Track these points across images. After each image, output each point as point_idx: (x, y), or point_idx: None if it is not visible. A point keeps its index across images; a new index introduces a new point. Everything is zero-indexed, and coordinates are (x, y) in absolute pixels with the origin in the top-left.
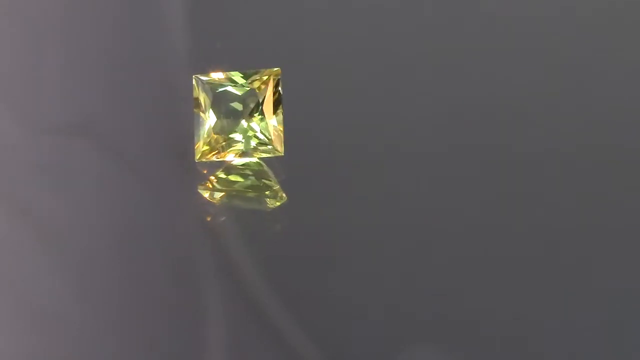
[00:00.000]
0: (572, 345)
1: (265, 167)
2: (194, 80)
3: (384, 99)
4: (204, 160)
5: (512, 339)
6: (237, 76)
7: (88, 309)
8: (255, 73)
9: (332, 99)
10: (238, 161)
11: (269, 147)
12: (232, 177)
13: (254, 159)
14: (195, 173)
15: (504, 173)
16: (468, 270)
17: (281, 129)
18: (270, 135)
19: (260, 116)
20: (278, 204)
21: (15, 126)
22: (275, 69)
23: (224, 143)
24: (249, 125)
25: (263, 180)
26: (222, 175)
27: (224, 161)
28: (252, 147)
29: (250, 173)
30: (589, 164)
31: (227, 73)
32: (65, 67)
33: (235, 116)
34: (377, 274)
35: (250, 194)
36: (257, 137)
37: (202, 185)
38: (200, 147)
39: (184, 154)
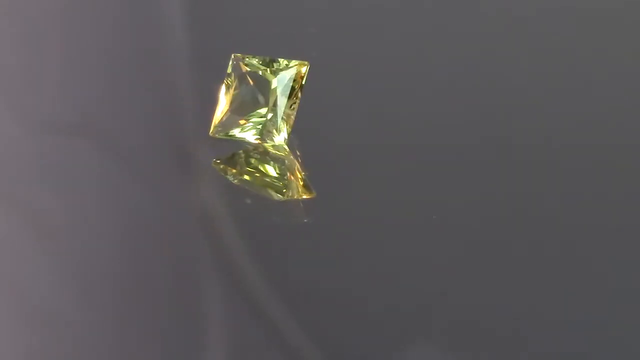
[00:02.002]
0: (573, 345)
1: (289, 158)
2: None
3: (397, 98)
4: (216, 136)
5: (514, 339)
6: (271, 62)
7: (88, 308)
8: (286, 62)
9: (347, 96)
10: (262, 145)
11: (275, 135)
12: (252, 160)
13: (283, 147)
14: (195, 171)
15: (513, 170)
16: (472, 269)
17: (291, 121)
18: (280, 125)
19: (276, 105)
20: (286, 197)
21: (16, 125)
22: (304, 62)
23: (238, 123)
24: (267, 111)
25: (282, 170)
26: (242, 156)
27: (240, 142)
28: (259, 132)
29: (273, 159)
30: (589, 163)
31: (264, 58)
32: (65, 66)
33: (256, 100)
34: (380, 273)
35: (266, 180)
36: (266, 125)
37: (216, 160)
38: (216, 122)
39: (184, 153)
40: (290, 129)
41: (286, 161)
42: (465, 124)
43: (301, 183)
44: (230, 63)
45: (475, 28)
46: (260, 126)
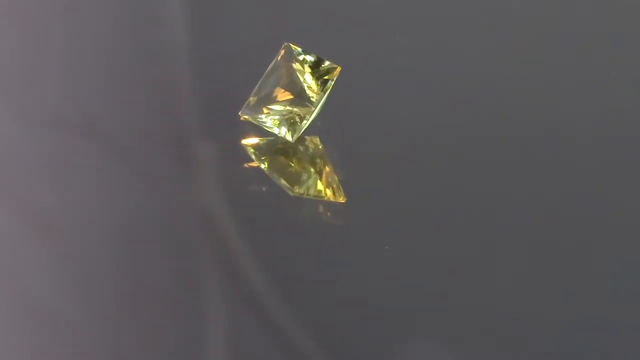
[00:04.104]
0: (576, 345)
1: (315, 157)
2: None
3: (418, 103)
4: (243, 117)
5: (514, 339)
6: (319, 61)
7: (88, 307)
8: (328, 63)
9: (365, 99)
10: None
11: (291, 130)
12: (282, 151)
13: (316, 140)
14: (195, 170)
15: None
16: (479, 268)
17: (305, 121)
18: (294, 121)
19: (306, 101)
20: (297, 194)
21: (16, 123)
22: (337, 66)
23: (265, 110)
24: (294, 106)
25: (304, 166)
26: (274, 145)
27: (265, 130)
28: (278, 123)
29: (299, 155)
30: (590, 163)
31: (314, 55)
32: (66, 64)
33: (286, 91)
34: (381, 272)
35: (288, 174)
36: (287, 118)
37: (248, 145)
38: (246, 104)
39: (185, 151)
40: (303, 127)
41: (308, 158)
42: (483, 127)
43: (325, 184)
44: (281, 51)
45: (501, 32)
46: (278, 117)
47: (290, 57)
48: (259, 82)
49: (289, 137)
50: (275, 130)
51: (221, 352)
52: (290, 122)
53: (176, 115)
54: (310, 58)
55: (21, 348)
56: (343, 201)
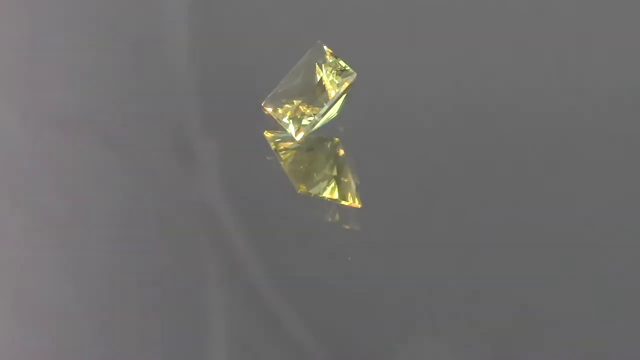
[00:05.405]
0: (579, 343)
1: (338, 157)
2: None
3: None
4: (264, 109)
5: (515, 337)
6: (345, 68)
7: (89, 305)
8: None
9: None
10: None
11: (292, 127)
12: (300, 147)
13: (336, 142)
14: (201, 168)
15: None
16: (493, 272)
17: (313, 121)
18: (303, 120)
19: (310, 100)
20: (302, 192)
21: (19, 124)
22: (354, 72)
23: (282, 104)
24: (307, 105)
25: (315, 166)
26: (294, 140)
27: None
28: (288, 118)
29: (316, 153)
30: (591, 163)
31: (342, 61)
32: (68, 62)
33: (304, 90)
34: (383, 269)
35: (298, 170)
36: (291, 116)
37: (267, 132)
38: (269, 97)
39: (186, 149)
40: (310, 129)
41: (326, 160)
42: (505, 136)
43: (341, 188)
44: (313, 49)
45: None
46: (290, 113)
47: (318, 56)
48: (286, 75)
49: (294, 135)
50: (285, 125)
51: (223, 351)
52: (299, 120)
53: (179, 113)
54: (337, 61)
55: (23, 347)
56: (359, 206)
